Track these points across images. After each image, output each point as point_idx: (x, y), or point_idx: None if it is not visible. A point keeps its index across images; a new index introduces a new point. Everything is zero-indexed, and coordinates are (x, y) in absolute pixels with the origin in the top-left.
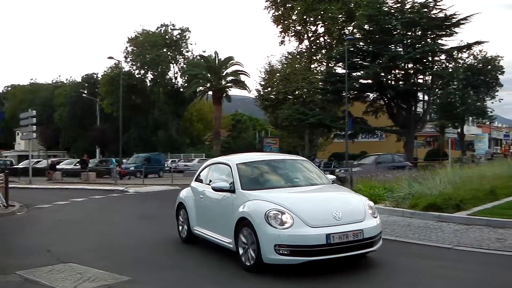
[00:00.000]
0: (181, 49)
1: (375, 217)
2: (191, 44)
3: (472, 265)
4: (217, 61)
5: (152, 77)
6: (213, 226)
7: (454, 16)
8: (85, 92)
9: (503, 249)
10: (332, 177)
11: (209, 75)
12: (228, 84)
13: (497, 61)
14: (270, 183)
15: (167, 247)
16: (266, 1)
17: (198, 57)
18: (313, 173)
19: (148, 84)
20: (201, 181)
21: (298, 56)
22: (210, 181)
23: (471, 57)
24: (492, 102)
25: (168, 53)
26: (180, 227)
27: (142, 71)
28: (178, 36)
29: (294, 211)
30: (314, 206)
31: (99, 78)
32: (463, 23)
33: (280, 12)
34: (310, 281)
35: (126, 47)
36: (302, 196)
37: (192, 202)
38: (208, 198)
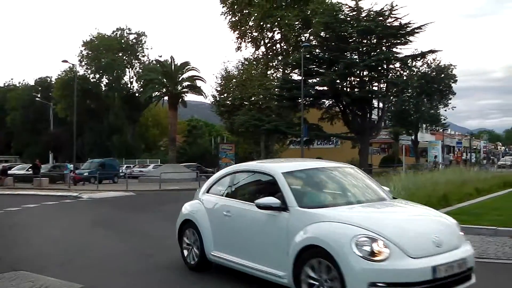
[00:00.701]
0: (137, 54)
1: (467, 241)
2: (147, 48)
3: None
4: (173, 66)
5: (107, 81)
6: (248, 253)
7: (409, 25)
8: (39, 96)
9: None
10: (387, 188)
11: (165, 80)
12: (184, 90)
13: (450, 70)
14: (333, 198)
15: (122, 253)
16: (223, 7)
17: (154, 62)
18: (372, 184)
19: (103, 88)
20: (218, 193)
21: (254, 62)
22: (234, 193)
23: (425, 65)
24: (445, 110)
25: (124, 57)
26: (186, 251)
27: (97, 75)
28: (134, 40)
29: (389, 237)
30: (409, 229)
31: (53, 82)
32: (417, 32)
33: (237, 18)
34: None
35: (81, 51)
36: (388, 216)
37: (207, 220)
38: (240, 217)
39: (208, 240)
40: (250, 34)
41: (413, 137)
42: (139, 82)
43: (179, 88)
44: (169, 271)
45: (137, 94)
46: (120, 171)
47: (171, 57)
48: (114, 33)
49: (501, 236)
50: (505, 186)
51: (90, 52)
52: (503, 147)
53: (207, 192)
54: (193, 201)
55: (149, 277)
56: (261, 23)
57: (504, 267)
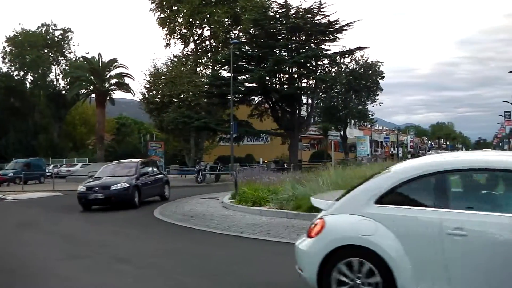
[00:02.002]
0: (63, 50)
1: None
2: (73, 45)
3: None
4: (100, 63)
5: (32, 79)
6: None
7: (337, 22)
8: None
9: None
10: None
11: (92, 78)
12: (112, 87)
13: (378, 66)
14: None
15: (49, 258)
16: (151, 3)
17: (81, 59)
18: None
19: (28, 86)
20: (414, 203)
21: (183, 59)
22: (458, 202)
23: (353, 62)
24: (373, 106)
25: (50, 54)
26: None
27: (22, 73)
28: (60, 36)
29: None
30: None
31: None
32: (345, 29)
33: (165, 14)
34: None
35: (4, 47)
36: None
37: (400, 246)
38: (488, 236)
39: (406, 277)
40: (179, 31)
41: (341, 132)
42: (65, 80)
43: (107, 85)
44: None
45: (63, 92)
46: (47, 171)
47: (99, 54)
48: (39, 29)
49: None
50: None
51: (13, 49)
52: (429, 141)
53: (380, 203)
54: (352, 219)
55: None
56: (190, 20)
57: None
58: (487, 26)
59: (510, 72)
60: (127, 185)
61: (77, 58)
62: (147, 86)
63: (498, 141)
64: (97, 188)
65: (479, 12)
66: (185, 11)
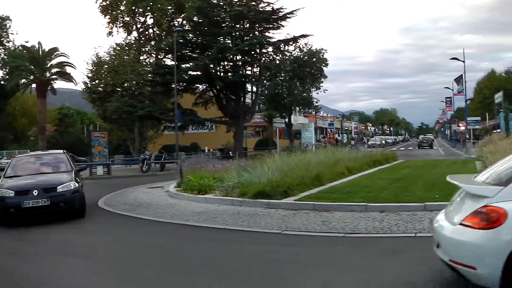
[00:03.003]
0: (1, 39)
1: None
2: (12, 33)
3: (299, 247)
4: (41, 52)
5: None
6: None
7: (281, 10)
8: None
9: (328, 231)
10: None
11: (32, 67)
12: (53, 77)
13: (322, 54)
14: None
15: None
16: None
17: (20, 48)
18: None
19: None
20: None
21: (126, 48)
22: None
23: (297, 49)
24: (318, 93)
25: None
26: None
27: None
28: None
29: None
30: None
31: None
32: (289, 17)
33: (108, 2)
34: None
35: None
36: None
37: None
38: None
39: None
40: (121, 19)
41: (286, 120)
42: (4, 69)
43: (48, 75)
44: None
45: (2, 82)
46: None
47: (39, 43)
48: None
49: (371, 212)
50: (375, 164)
51: None
52: (373, 128)
53: None
54: None
55: None
56: (133, 8)
57: (373, 240)
58: (430, 14)
59: (451, 59)
60: (76, 185)
61: (16, 47)
62: (90, 75)
63: (440, 127)
64: (36, 192)
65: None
66: None
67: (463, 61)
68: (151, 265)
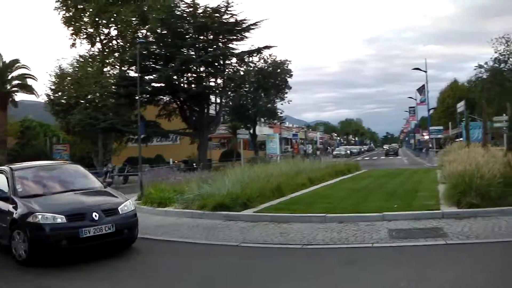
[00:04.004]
0: None
1: None
2: None
3: (256, 259)
4: (1, 64)
5: None
6: None
7: (245, 21)
8: None
9: (286, 243)
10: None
11: None
12: (14, 89)
13: (286, 65)
14: None
15: None
16: (56, 2)
17: None
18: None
19: None
20: None
21: (90, 60)
22: None
23: (262, 60)
24: (282, 104)
25: None
26: None
27: None
28: None
29: None
30: None
31: None
32: (253, 28)
33: (71, 13)
34: None
35: None
36: None
37: None
38: None
39: None
40: (85, 30)
41: (251, 131)
42: None
43: (8, 87)
44: None
45: None
46: None
47: None
48: None
49: (330, 222)
50: (337, 175)
51: None
52: (338, 138)
53: None
54: None
55: None
56: (97, 19)
57: (330, 251)
58: (394, 24)
59: (413, 69)
60: (132, 206)
61: None
62: (53, 87)
63: (404, 136)
64: (96, 215)
65: (386, 11)
66: (91, 10)
67: (425, 71)
68: (103, 279)
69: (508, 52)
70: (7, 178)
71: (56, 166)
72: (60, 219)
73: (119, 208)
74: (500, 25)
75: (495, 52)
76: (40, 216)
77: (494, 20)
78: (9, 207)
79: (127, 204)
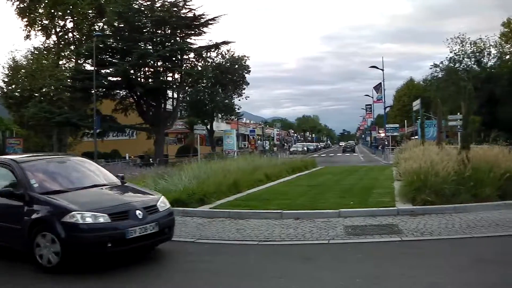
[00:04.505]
0: None
1: None
2: None
3: (212, 256)
4: None
5: None
6: None
7: (203, 16)
8: None
9: (242, 239)
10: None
11: None
12: None
13: (244, 61)
14: None
15: None
16: None
17: None
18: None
19: None
20: None
21: (45, 52)
22: None
23: (220, 56)
24: (240, 100)
25: None
26: None
27: None
28: None
29: None
30: None
31: None
32: (211, 23)
33: (25, 4)
34: None
35: None
36: None
37: None
38: None
39: None
40: (40, 22)
41: (208, 126)
42: None
43: None
44: None
45: None
46: None
47: None
48: None
49: (286, 219)
50: (294, 171)
51: None
52: (295, 134)
53: None
54: None
55: None
56: (52, 11)
57: (287, 248)
58: (352, 22)
59: (370, 67)
60: (167, 203)
61: None
62: (6, 79)
63: (361, 133)
64: (140, 213)
65: (344, 9)
66: (46, 1)
67: (382, 70)
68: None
69: (462, 52)
70: (12, 171)
71: (65, 159)
72: (103, 218)
73: (157, 205)
74: (455, 25)
75: (450, 52)
76: (78, 216)
77: (450, 21)
78: (24, 205)
79: (163, 201)
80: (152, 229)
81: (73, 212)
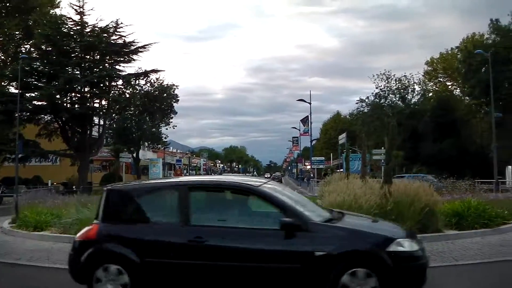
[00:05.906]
0: None
1: None
2: None
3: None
4: None
5: None
6: None
7: (133, 44)
8: None
9: None
10: None
11: None
12: None
13: (173, 90)
14: None
15: None
16: None
17: None
18: None
19: None
20: None
21: None
22: None
23: (148, 84)
24: (167, 128)
25: None
26: None
27: None
28: None
29: None
30: None
31: None
32: (141, 51)
33: None
34: None
35: None
36: None
37: None
38: None
39: None
40: None
41: (134, 154)
42: None
43: None
44: None
45: None
46: None
47: None
48: None
49: None
50: None
51: None
52: (222, 165)
53: None
54: None
55: None
56: None
57: None
58: (281, 55)
59: (298, 100)
60: None
61: None
62: None
63: (287, 165)
64: None
65: (273, 42)
66: None
67: (310, 103)
68: None
69: (388, 88)
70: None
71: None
72: (413, 247)
73: None
74: (381, 62)
75: (376, 88)
76: (406, 243)
77: (376, 57)
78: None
79: None
80: None
81: (398, 240)
